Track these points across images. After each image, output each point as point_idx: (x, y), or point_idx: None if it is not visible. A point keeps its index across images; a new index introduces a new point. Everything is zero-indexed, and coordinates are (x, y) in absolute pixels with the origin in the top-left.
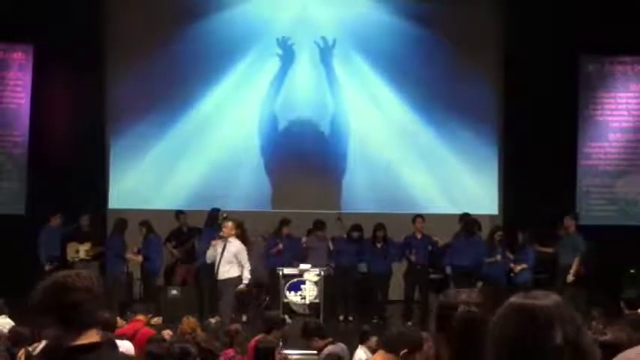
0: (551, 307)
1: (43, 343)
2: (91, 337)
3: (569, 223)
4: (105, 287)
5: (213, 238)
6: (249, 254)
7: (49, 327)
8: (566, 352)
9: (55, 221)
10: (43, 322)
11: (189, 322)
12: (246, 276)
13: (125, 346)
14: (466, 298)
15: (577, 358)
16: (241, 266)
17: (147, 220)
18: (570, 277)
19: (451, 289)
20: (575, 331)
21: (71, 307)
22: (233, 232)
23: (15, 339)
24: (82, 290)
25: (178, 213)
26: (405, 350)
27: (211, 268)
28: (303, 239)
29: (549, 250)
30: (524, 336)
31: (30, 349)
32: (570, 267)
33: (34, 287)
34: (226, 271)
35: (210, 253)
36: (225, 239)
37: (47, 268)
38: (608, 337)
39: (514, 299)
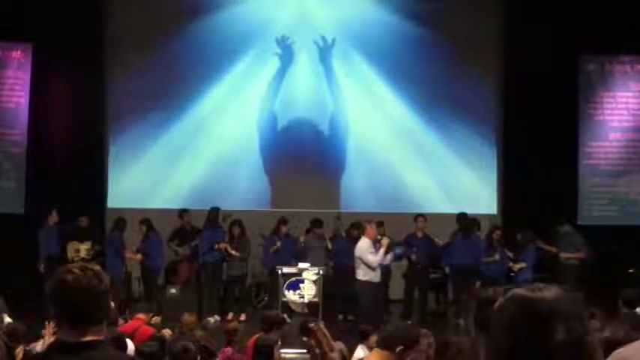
0: (553, 300)
1: (41, 341)
2: (94, 334)
3: (563, 230)
4: None
5: (214, 238)
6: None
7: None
8: (568, 349)
9: (53, 219)
10: (53, 315)
11: (189, 319)
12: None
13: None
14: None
15: (579, 357)
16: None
17: (147, 219)
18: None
19: (485, 287)
20: (580, 327)
21: (69, 305)
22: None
23: (11, 335)
24: (82, 289)
25: (182, 212)
26: (401, 347)
27: (212, 267)
28: (301, 238)
29: (554, 249)
30: (523, 329)
31: (28, 348)
32: (569, 267)
33: (31, 287)
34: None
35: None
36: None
37: (42, 269)
38: (606, 334)
39: (517, 290)
